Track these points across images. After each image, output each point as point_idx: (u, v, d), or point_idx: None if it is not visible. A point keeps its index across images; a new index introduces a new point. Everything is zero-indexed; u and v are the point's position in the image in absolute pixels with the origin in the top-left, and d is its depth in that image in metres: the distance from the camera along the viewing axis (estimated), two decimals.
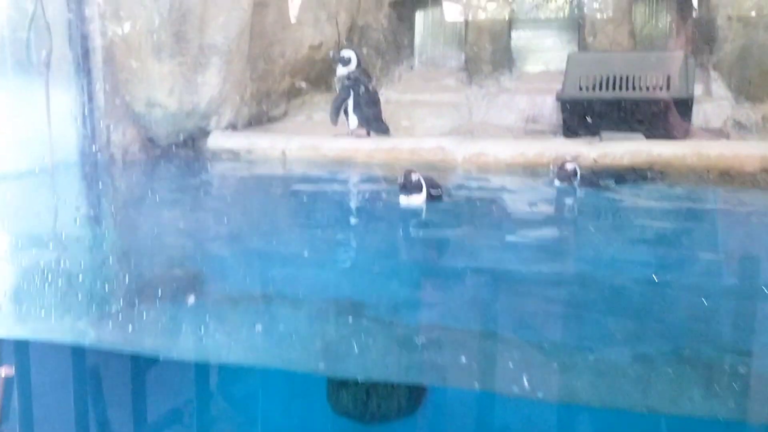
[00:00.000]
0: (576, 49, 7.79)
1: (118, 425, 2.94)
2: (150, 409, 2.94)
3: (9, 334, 2.75)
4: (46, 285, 3.01)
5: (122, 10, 6.02)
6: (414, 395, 2.95)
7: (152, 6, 6.01)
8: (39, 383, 2.75)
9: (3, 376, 2.65)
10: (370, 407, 3.03)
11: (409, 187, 4.27)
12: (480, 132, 7.00)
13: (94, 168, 5.84)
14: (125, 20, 6.00)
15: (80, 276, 3.18)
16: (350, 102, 6.35)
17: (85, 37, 5.82)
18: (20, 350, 2.74)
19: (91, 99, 5.92)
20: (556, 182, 4.95)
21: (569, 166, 4.90)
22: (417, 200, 4.30)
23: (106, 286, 3.11)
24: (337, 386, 2.99)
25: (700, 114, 6.64)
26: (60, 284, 3.05)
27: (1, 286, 3.19)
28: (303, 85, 7.65)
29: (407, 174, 4.30)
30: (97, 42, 5.89)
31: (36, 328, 2.73)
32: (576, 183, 4.89)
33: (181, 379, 2.82)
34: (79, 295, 2.94)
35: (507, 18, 8.19)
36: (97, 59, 5.93)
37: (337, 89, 6.58)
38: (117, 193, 5.41)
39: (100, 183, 5.74)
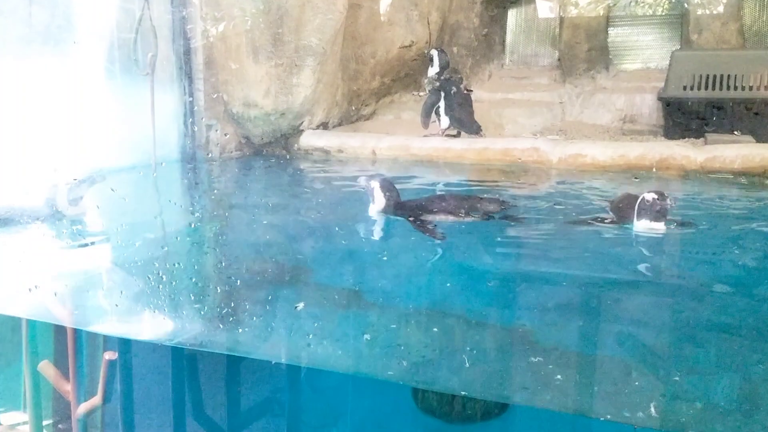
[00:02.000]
0: (678, 46, 7.44)
1: (212, 409, 3.03)
2: (243, 400, 3.01)
3: (118, 331, 2.87)
4: (159, 284, 3.13)
5: (220, 12, 6.23)
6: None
7: (250, 9, 6.19)
8: (139, 366, 2.87)
9: (107, 359, 2.79)
10: (455, 407, 3.00)
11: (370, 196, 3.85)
12: (574, 132, 6.81)
13: (194, 164, 6.08)
14: (224, 24, 6.21)
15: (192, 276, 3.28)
16: (442, 104, 6.31)
17: (187, 40, 6.07)
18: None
19: (192, 99, 6.17)
20: (640, 225, 3.50)
21: (656, 200, 3.45)
22: (371, 211, 3.89)
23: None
24: None
25: None
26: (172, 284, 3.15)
27: (113, 280, 3.35)
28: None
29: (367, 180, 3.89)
30: (198, 44, 6.13)
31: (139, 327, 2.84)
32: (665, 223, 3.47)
33: (270, 370, 2.87)
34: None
35: (604, 14, 7.92)
36: (199, 61, 6.17)
37: (427, 90, 6.56)
38: (218, 188, 5.61)
39: (201, 178, 5.96)
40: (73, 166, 4.58)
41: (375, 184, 3.89)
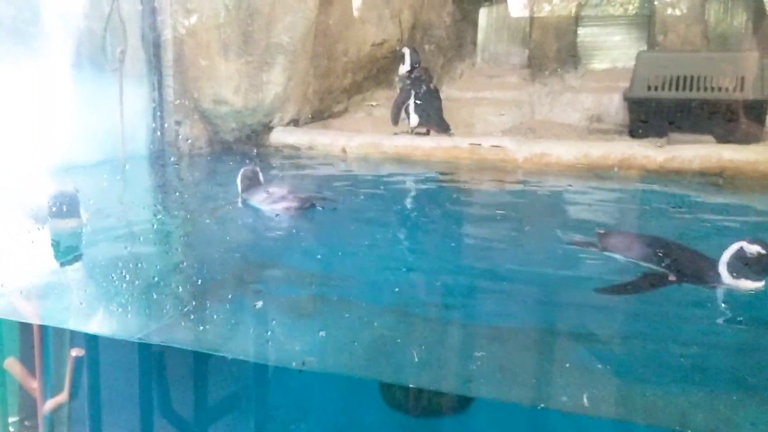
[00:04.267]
0: (645, 47, 7.59)
1: (179, 406, 3.06)
2: (209, 397, 3.05)
3: (87, 327, 2.90)
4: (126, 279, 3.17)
5: (191, 5, 6.21)
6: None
7: (221, 6, 6.19)
8: (106, 362, 2.89)
9: (74, 355, 2.80)
10: (421, 402, 3.05)
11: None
12: (542, 131, 6.92)
13: (162, 161, 6.08)
14: (195, 20, 6.20)
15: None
16: (411, 101, 6.38)
17: (157, 35, 6.05)
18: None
19: (161, 95, 6.15)
20: (730, 278, 2.80)
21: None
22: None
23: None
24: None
25: None
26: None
27: (79, 277, 3.37)
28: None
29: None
30: (168, 40, 6.11)
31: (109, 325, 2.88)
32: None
33: (238, 368, 2.91)
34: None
35: (573, 14, 8.05)
36: (168, 57, 6.15)
37: (398, 88, 6.62)
38: (185, 185, 5.63)
39: (167, 177, 5.97)
40: (40, 163, 4.58)
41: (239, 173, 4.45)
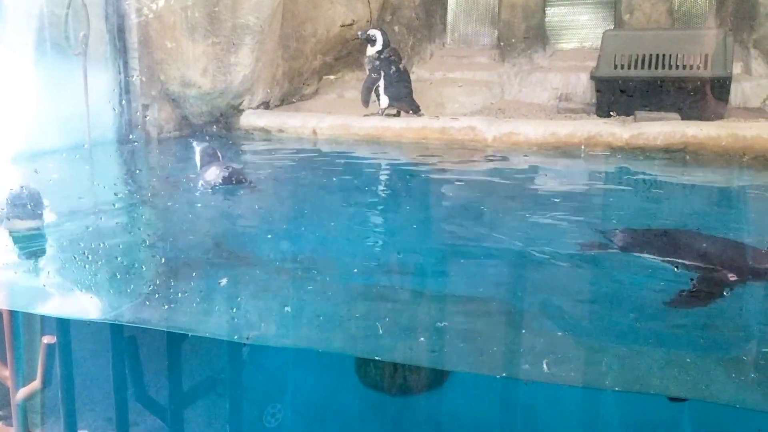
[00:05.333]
0: (612, 26, 7.66)
1: (153, 389, 3.06)
2: (184, 378, 3.05)
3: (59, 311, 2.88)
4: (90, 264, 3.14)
5: None
6: (440, 370, 2.99)
7: None
8: (78, 349, 2.87)
9: (45, 342, 2.78)
10: (397, 381, 3.10)
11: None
12: (512, 110, 6.97)
13: (129, 145, 6.00)
14: (161, 1, 6.09)
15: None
16: (381, 83, 6.37)
17: (121, 17, 5.94)
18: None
19: (127, 78, 6.05)
20: None
21: None
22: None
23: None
24: (365, 360, 3.06)
25: (738, 93, 6.49)
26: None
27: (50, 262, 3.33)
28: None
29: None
30: (132, 22, 6.00)
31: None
32: None
33: (212, 348, 2.92)
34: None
35: None
36: (133, 40, 6.04)
37: (367, 70, 6.61)
38: (153, 169, 5.59)
39: (138, 159, 5.91)
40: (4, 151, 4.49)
41: (197, 150, 4.61)
